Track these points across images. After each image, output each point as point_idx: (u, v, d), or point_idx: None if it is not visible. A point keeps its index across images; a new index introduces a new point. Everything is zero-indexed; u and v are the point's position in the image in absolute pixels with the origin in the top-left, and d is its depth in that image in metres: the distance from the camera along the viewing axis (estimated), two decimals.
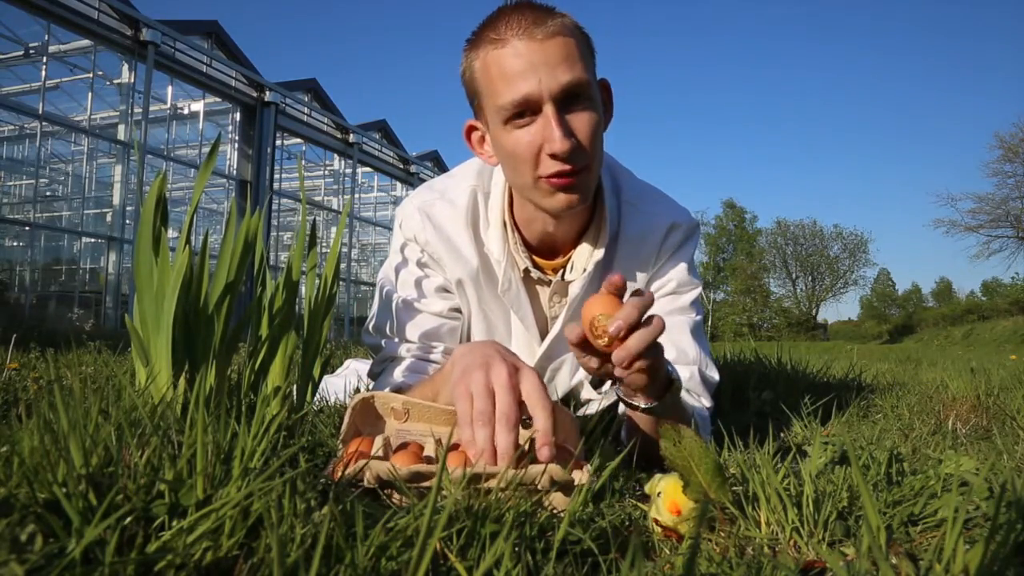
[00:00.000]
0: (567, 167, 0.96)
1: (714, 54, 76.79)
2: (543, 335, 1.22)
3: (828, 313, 71.47)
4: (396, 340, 1.19)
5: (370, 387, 1.27)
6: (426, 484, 0.70)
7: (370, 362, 1.82)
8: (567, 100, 0.94)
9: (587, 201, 1.04)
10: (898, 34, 69.61)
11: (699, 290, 1.22)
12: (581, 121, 0.96)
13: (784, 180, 77.84)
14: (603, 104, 1.02)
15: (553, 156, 0.95)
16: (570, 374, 1.27)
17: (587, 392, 1.28)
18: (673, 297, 1.20)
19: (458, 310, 1.22)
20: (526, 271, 1.16)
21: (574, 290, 1.15)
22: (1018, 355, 5.82)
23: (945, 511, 0.65)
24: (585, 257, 1.14)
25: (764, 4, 71.52)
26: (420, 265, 1.20)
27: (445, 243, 1.16)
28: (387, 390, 1.10)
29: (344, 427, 0.86)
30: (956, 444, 1.21)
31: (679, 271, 1.20)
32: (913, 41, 69.11)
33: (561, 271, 1.16)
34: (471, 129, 1.08)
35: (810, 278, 44.76)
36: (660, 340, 0.85)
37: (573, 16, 0.99)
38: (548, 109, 0.93)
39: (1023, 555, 0.54)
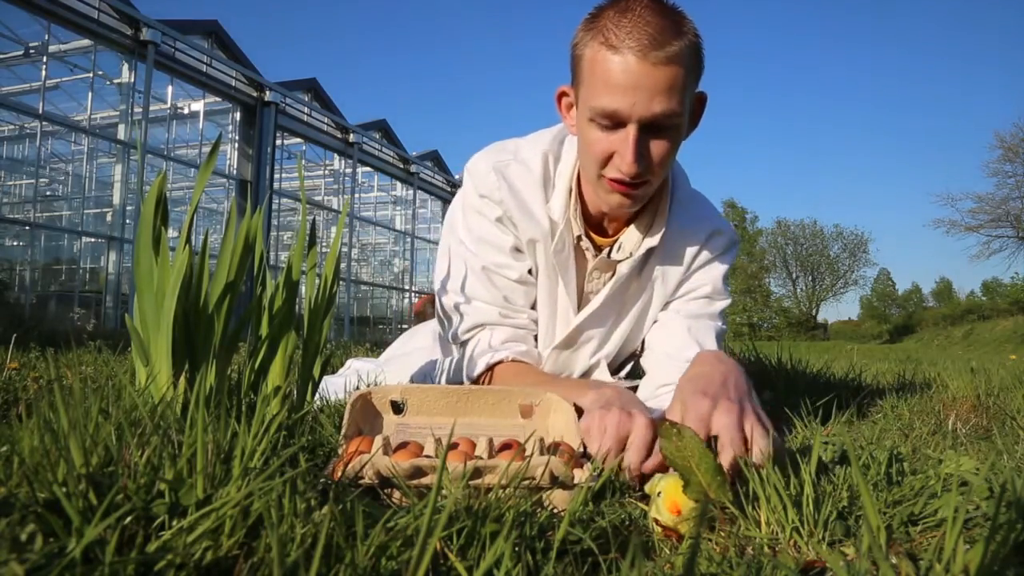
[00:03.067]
0: (629, 180, 1.01)
1: (714, 53, 76.75)
2: (579, 305, 1.25)
3: (828, 313, 71.50)
4: (483, 305, 1.22)
5: (459, 357, 1.27)
6: (426, 481, 0.70)
7: (370, 361, 1.82)
8: (650, 126, 0.97)
9: (638, 206, 1.10)
10: (898, 33, 69.65)
11: (728, 302, 1.28)
12: (658, 147, 1.00)
13: (784, 180, 77.86)
14: (692, 114, 1.06)
15: (619, 170, 1.00)
16: (592, 352, 1.29)
17: (602, 373, 1.29)
18: (707, 301, 1.25)
19: (530, 271, 1.24)
20: (578, 239, 1.19)
21: (622, 270, 1.20)
22: (1018, 355, 5.81)
23: (945, 511, 0.65)
24: (635, 241, 1.18)
25: (764, 2, 71.55)
26: (496, 222, 1.21)
27: (519, 204, 1.18)
28: (494, 357, 1.15)
29: (344, 425, 0.87)
30: (956, 444, 1.21)
31: (716, 278, 1.25)
32: (913, 40, 69.15)
33: (608, 249, 1.20)
34: (562, 95, 1.11)
35: (810, 278, 44.77)
36: (684, 338, 0.91)
37: (696, 28, 0.99)
38: (631, 129, 0.97)
39: (1023, 555, 0.54)
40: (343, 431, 0.86)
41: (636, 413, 0.85)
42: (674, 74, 0.94)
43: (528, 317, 1.23)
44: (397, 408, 0.95)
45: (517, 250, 1.22)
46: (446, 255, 1.28)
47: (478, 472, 0.70)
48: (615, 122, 0.97)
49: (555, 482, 0.71)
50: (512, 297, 1.22)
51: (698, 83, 1.02)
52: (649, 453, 0.82)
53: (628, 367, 1.38)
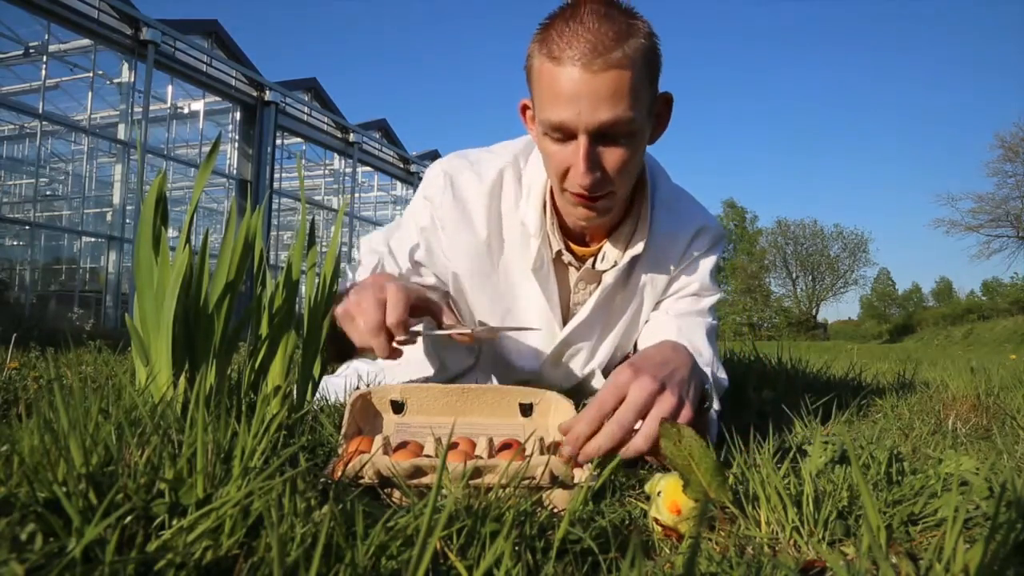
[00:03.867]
0: (587, 193, 0.99)
1: (713, 53, 76.85)
2: (565, 318, 1.24)
3: (828, 313, 71.29)
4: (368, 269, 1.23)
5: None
6: (426, 481, 0.70)
7: (371, 361, 1.82)
8: (602, 135, 0.95)
9: (605, 218, 1.09)
10: (898, 33, 69.64)
11: (718, 297, 1.26)
12: (612, 155, 0.97)
13: (784, 180, 77.88)
14: (656, 117, 1.04)
15: (574, 182, 0.99)
16: (583, 363, 1.27)
17: (598, 382, 1.28)
18: (695, 299, 1.23)
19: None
20: (558, 253, 1.18)
21: (607, 280, 1.18)
22: (1018, 355, 5.82)
23: (945, 511, 0.65)
24: (618, 249, 1.17)
25: (764, 3, 71.55)
26: (420, 231, 1.21)
27: (460, 209, 1.18)
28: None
29: (344, 425, 0.87)
30: (956, 444, 1.21)
31: (703, 274, 1.23)
32: (913, 40, 69.13)
33: (592, 259, 1.18)
34: (525, 107, 1.10)
35: (810, 278, 44.73)
36: (674, 338, 0.96)
37: (650, 27, 0.96)
38: (581, 140, 0.95)
39: (1023, 555, 0.54)
40: (343, 431, 0.86)
41: (388, 282, 0.94)
42: (619, 79, 0.91)
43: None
44: (397, 408, 0.95)
45: (421, 264, 1.21)
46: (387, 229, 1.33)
47: (478, 472, 0.70)
48: (565, 134, 0.96)
49: (555, 482, 0.71)
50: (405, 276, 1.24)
51: (655, 84, 0.99)
52: (404, 301, 0.92)
53: None
